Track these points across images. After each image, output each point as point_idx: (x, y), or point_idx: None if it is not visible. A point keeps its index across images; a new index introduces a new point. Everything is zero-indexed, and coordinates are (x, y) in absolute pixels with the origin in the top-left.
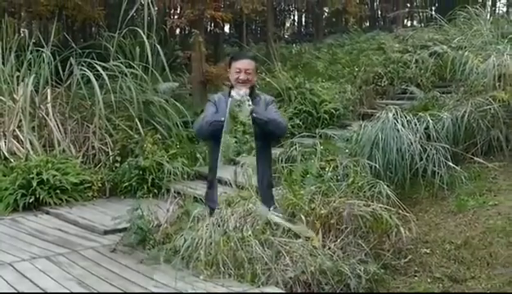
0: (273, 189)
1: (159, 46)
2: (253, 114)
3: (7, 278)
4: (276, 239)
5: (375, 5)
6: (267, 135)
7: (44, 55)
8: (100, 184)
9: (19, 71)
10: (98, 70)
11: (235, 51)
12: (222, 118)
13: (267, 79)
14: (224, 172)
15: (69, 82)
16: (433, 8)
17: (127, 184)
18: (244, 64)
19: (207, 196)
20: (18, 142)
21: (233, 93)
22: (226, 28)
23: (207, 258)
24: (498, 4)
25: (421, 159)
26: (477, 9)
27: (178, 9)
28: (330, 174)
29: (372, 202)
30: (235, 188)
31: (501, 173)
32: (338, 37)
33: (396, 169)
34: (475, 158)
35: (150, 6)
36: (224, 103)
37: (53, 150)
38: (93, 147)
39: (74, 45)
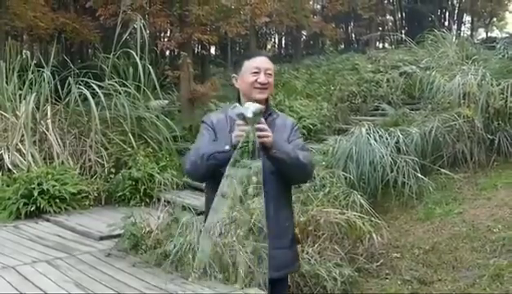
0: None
1: (150, 67)
2: (273, 150)
3: (11, 280)
4: (258, 244)
5: (349, 28)
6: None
7: (44, 74)
8: (96, 194)
9: (21, 90)
10: (94, 89)
11: (244, 53)
12: (227, 147)
13: None
14: None
15: (67, 99)
16: (403, 31)
17: (121, 193)
18: (263, 61)
19: None
20: (20, 155)
21: (241, 107)
22: (212, 50)
23: (195, 262)
24: (463, 28)
25: (392, 171)
26: (443, 32)
27: (168, 32)
28: (307, 184)
29: (347, 210)
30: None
31: (466, 183)
32: (315, 58)
33: (369, 180)
34: (442, 170)
35: (143, 29)
36: (226, 124)
37: (53, 162)
38: (90, 159)
39: (72, 65)
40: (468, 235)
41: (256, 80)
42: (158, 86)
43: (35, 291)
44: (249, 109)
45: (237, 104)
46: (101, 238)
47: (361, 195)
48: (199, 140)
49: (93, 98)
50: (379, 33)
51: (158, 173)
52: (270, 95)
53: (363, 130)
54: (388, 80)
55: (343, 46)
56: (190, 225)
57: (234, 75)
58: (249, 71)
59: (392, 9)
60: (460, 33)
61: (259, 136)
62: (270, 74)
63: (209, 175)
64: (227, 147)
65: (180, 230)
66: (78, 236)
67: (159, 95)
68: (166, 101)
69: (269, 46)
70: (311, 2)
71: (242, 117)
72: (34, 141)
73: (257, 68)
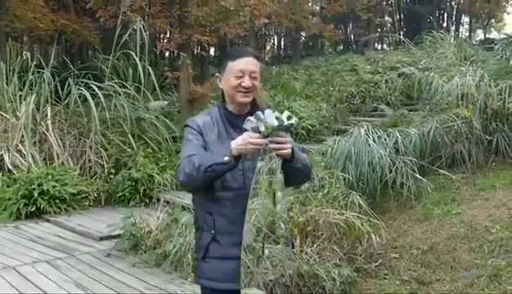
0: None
1: (150, 68)
2: (292, 162)
3: (11, 280)
4: (257, 245)
5: (348, 30)
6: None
7: (45, 75)
8: (96, 195)
9: (21, 90)
10: (94, 90)
11: (232, 48)
12: (226, 159)
13: None
14: None
15: (67, 100)
16: (402, 33)
17: (120, 194)
18: (248, 63)
19: (198, 268)
20: (21, 156)
21: (255, 120)
22: (212, 51)
23: (194, 262)
24: (461, 29)
25: (390, 171)
26: (441, 33)
27: (168, 33)
28: (306, 185)
29: (345, 210)
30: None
31: (464, 184)
32: (314, 59)
33: (367, 180)
34: (440, 171)
35: (142, 31)
36: (213, 126)
37: (53, 163)
38: (90, 160)
39: (71, 67)
40: (466, 236)
41: (240, 84)
42: (157, 87)
43: (35, 291)
44: (267, 121)
45: (250, 118)
46: (101, 239)
47: (359, 196)
48: (187, 147)
49: (93, 99)
50: (377, 34)
51: (157, 174)
52: (256, 96)
53: (362, 131)
54: (386, 81)
55: (341, 48)
56: (189, 226)
57: (218, 75)
58: (233, 74)
59: (390, 10)
60: (458, 35)
61: (275, 149)
62: (255, 77)
63: (206, 186)
64: (226, 158)
65: (179, 231)
66: (78, 236)
67: (158, 96)
68: (165, 102)
69: (268, 48)
70: (310, 4)
71: (257, 130)
72: (34, 142)
73: (241, 71)
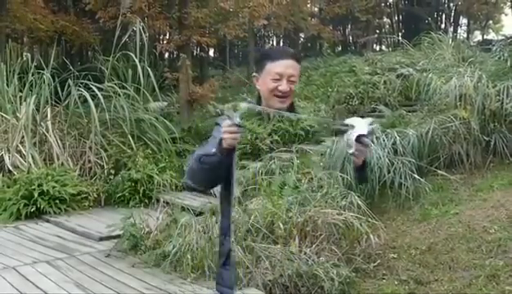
0: None
1: (149, 69)
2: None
3: (11, 280)
4: (256, 245)
5: (346, 31)
6: None
7: (45, 77)
8: (95, 195)
9: (21, 91)
10: (94, 91)
11: (272, 48)
12: (213, 150)
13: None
14: None
15: (67, 101)
16: (400, 34)
17: (120, 194)
18: (288, 66)
19: (219, 275)
20: (21, 156)
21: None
22: (211, 52)
23: (193, 262)
24: (459, 30)
25: (389, 172)
26: (440, 35)
27: (167, 34)
28: (305, 185)
29: (344, 211)
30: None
31: (462, 185)
32: (313, 60)
33: None
34: (438, 171)
35: (142, 32)
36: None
37: (53, 164)
38: (89, 161)
39: (71, 68)
40: (464, 236)
41: (277, 87)
42: (157, 88)
43: (36, 291)
44: (238, 112)
45: (247, 104)
46: (101, 239)
47: (358, 196)
48: (206, 144)
49: (93, 100)
50: (376, 35)
51: (157, 174)
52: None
53: None
54: (385, 82)
55: (340, 49)
56: (188, 226)
57: (255, 75)
58: (271, 76)
59: (389, 12)
60: (456, 36)
61: (360, 152)
62: (293, 81)
63: (208, 179)
64: (214, 150)
65: (179, 231)
66: (78, 237)
67: (158, 97)
68: (165, 103)
69: None
70: (308, 5)
71: (227, 117)
72: (34, 143)
73: (279, 74)
